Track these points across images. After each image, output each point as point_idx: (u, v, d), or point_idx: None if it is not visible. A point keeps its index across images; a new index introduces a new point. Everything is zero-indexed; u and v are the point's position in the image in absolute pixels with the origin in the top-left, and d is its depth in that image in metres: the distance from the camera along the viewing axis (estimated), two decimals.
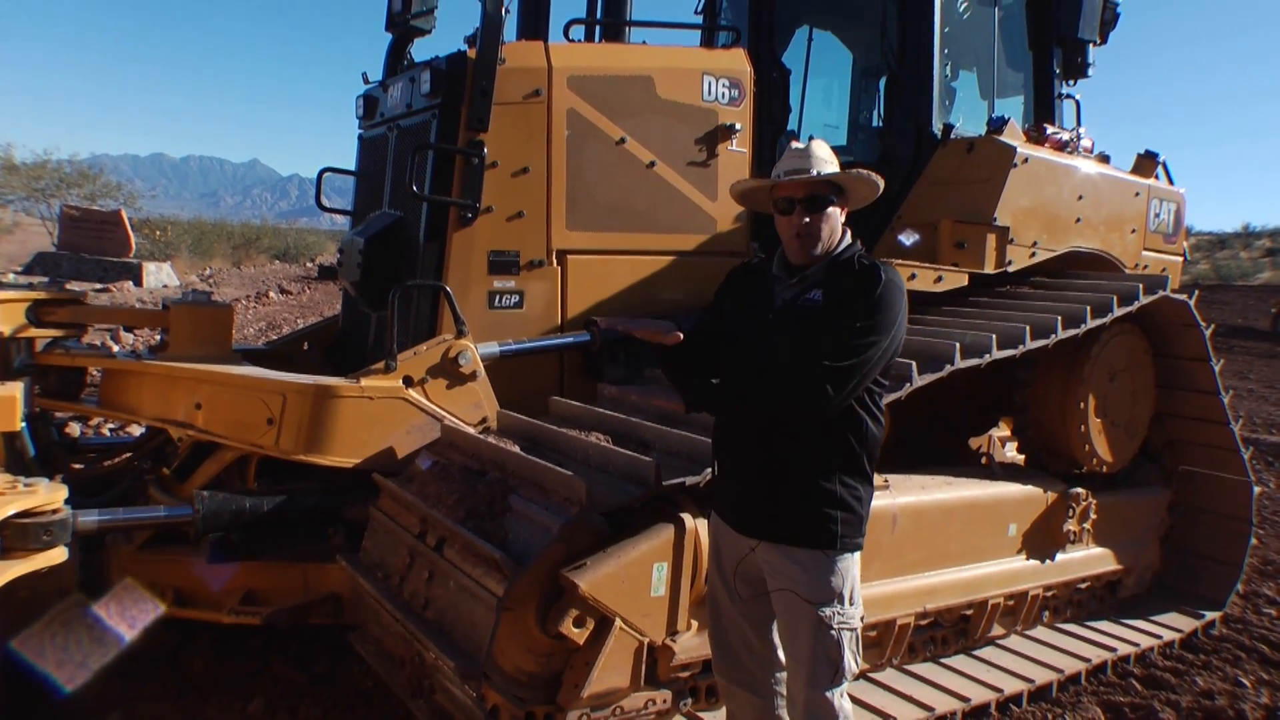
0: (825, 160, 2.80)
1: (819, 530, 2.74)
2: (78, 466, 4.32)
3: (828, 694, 2.78)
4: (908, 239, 4.72)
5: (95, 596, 4.02)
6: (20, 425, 3.42)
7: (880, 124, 6.25)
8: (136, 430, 6.40)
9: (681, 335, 2.93)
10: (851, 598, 2.80)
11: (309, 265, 31.07)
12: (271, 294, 21.15)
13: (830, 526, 2.73)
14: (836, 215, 2.84)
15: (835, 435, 2.74)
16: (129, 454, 4.56)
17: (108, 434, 7.18)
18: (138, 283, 21.55)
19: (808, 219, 2.79)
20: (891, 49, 5.69)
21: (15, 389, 3.16)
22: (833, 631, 2.76)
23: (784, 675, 2.95)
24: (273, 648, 4.44)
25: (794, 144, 2.86)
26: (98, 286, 19.79)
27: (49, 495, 3.32)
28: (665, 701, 3.60)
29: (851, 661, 2.80)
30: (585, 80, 4.52)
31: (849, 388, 2.62)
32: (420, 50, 5.22)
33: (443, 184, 4.33)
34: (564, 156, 4.48)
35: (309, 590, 4.05)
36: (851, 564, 2.80)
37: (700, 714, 3.72)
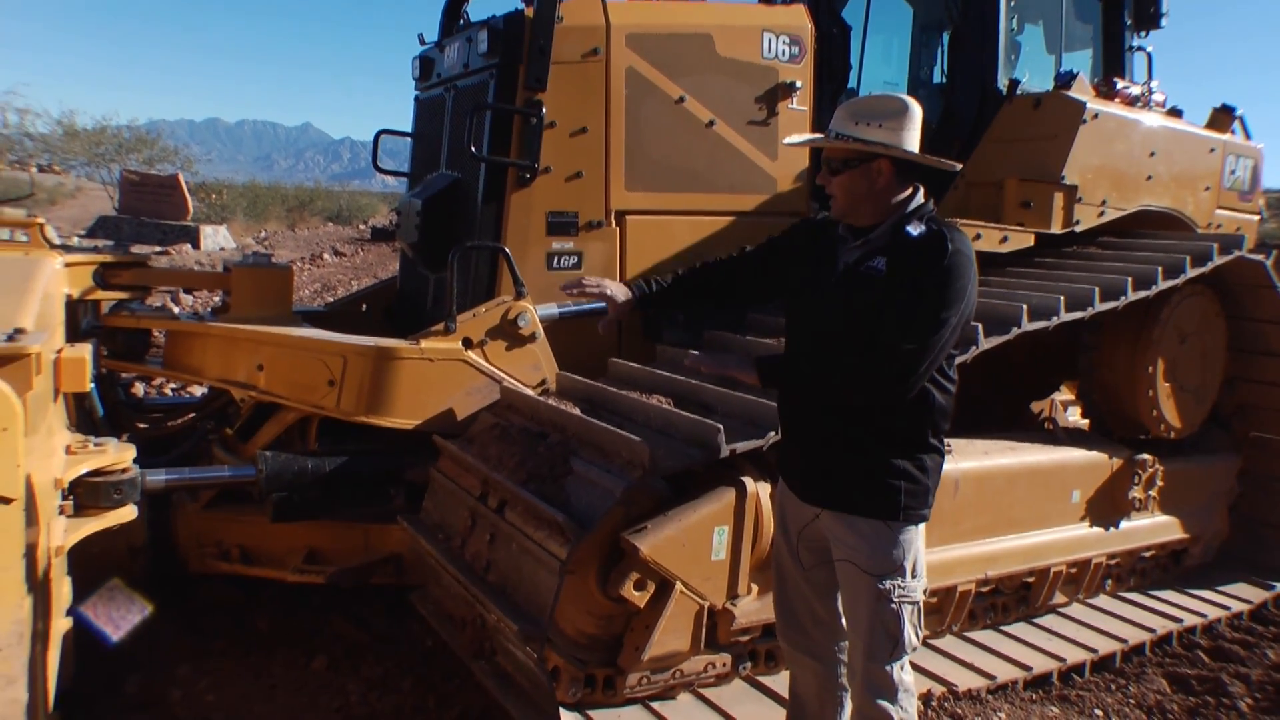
0: (858, 118, 2.65)
1: (882, 501, 2.68)
2: (143, 426, 4.38)
3: (887, 667, 2.73)
4: None
5: (163, 553, 4.11)
6: (89, 386, 3.47)
7: (942, 80, 6.10)
8: (199, 390, 6.50)
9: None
10: (914, 570, 2.73)
11: (362, 227, 31.23)
12: (325, 256, 21.33)
13: (894, 497, 2.67)
14: (867, 178, 2.68)
15: (901, 405, 2.66)
16: (193, 414, 4.62)
17: (170, 393, 7.30)
18: (195, 245, 21.84)
19: (827, 180, 2.74)
20: (955, 3, 5.53)
21: (84, 350, 3.19)
22: (892, 605, 2.70)
23: (847, 644, 2.92)
24: (335, 606, 4.50)
25: (843, 102, 2.76)
26: (157, 249, 20.10)
27: (118, 455, 3.36)
28: (725, 665, 3.60)
29: (912, 635, 2.73)
30: (644, 38, 4.44)
31: (923, 369, 2.54)
32: (476, 10, 5.17)
33: (500, 144, 4.29)
34: (622, 116, 4.42)
35: (370, 550, 4.09)
36: (915, 536, 2.74)
37: (759, 678, 3.72)
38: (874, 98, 2.76)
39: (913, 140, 2.68)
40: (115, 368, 4.37)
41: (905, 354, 2.51)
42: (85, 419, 3.87)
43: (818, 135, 2.82)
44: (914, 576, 2.74)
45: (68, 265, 3.66)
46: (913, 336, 2.51)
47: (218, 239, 23.16)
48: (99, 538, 3.36)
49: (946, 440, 3.54)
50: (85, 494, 3.25)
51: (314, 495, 3.84)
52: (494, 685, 3.41)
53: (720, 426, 3.26)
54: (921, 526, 2.77)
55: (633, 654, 3.32)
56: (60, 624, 3.10)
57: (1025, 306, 4.07)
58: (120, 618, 3.89)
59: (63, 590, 3.14)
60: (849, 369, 2.59)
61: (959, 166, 2.99)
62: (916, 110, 2.69)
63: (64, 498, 3.15)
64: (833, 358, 2.64)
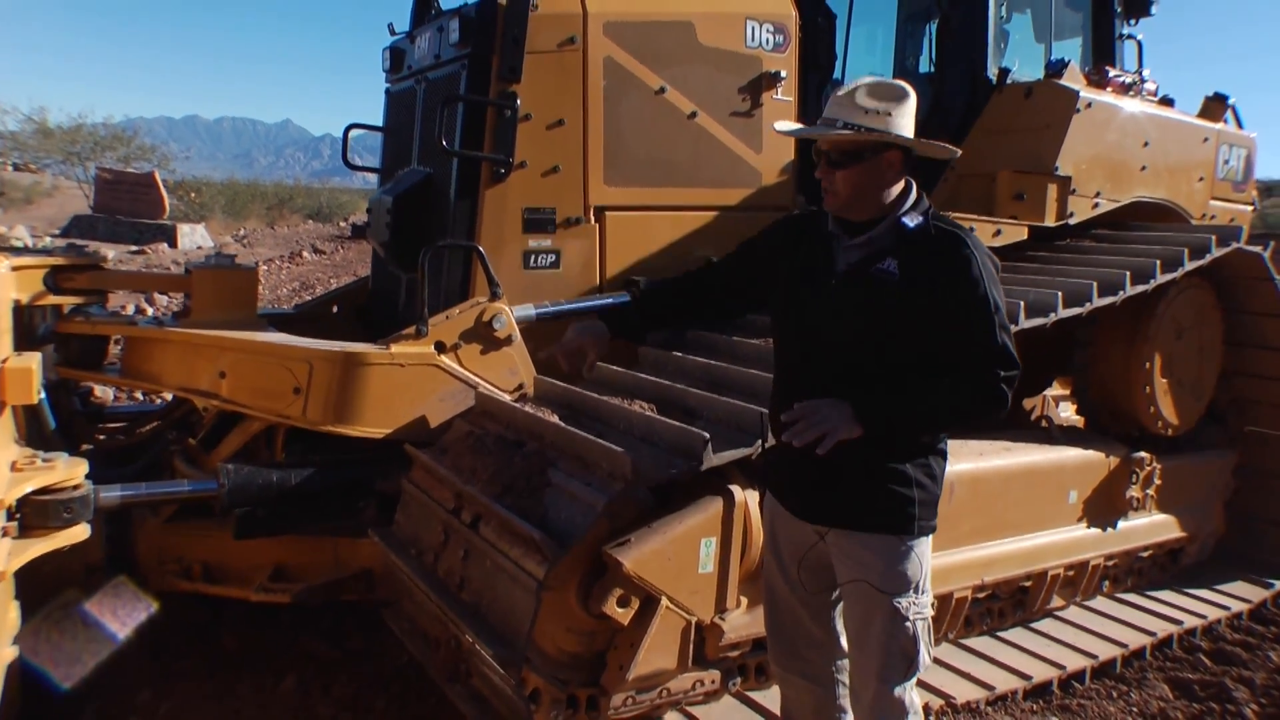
0: (868, 106, 2.47)
1: (895, 514, 2.52)
2: (102, 437, 4.19)
3: (898, 689, 2.58)
4: None
5: (122, 570, 3.91)
6: (39, 397, 3.27)
7: (929, 69, 5.96)
8: (168, 395, 6.30)
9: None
10: (924, 585, 2.59)
11: (342, 224, 30.96)
12: (305, 253, 21.07)
13: (907, 509, 2.51)
14: (878, 171, 2.51)
15: None
16: (156, 423, 4.42)
17: (140, 398, 7.09)
18: (172, 244, 21.60)
19: (828, 174, 2.56)
20: None
21: (32, 360, 3.00)
22: (908, 623, 2.54)
23: (846, 663, 2.76)
24: (305, 623, 4.32)
25: (841, 89, 2.58)
26: (133, 248, 19.83)
27: (69, 471, 3.18)
28: (714, 682, 3.44)
29: (926, 654, 2.59)
30: (622, 26, 4.26)
31: (1017, 374, 2.46)
32: None
33: (474, 138, 4.11)
34: (601, 108, 4.24)
35: (340, 566, 3.90)
36: (926, 549, 2.59)
37: (750, 693, 3.58)
38: (877, 83, 2.55)
39: (912, 128, 2.53)
40: (71, 376, 4.16)
41: (1009, 380, 2.43)
42: (36, 432, 3.67)
43: (819, 124, 2.61)
44: (924, 592, 2.61)
45: (15, 269, 3.45)
46: (1002, 357, 2.43)
47: (195, 238, 22.89)
48: (51, 557, 3.18)
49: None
50: (33, 513, 3.07)
51: (279, 509, 3.65)
52: (470, 709, 3.25)
53: (707, 435, 3.08)
54: (930, 538, 2.62)
55: (617, 673, 3.14)
56: (5, 653, 2.92)
57: (1023, 303, 3.93)
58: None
59: (9, 616, 2.96)
60: (960, 405, 2.49)
61: (959, 152, 2.85)
62: (914, 95, 2.55)
63: (9, 518, 2.97)
64: (847, 365, 2.51)
